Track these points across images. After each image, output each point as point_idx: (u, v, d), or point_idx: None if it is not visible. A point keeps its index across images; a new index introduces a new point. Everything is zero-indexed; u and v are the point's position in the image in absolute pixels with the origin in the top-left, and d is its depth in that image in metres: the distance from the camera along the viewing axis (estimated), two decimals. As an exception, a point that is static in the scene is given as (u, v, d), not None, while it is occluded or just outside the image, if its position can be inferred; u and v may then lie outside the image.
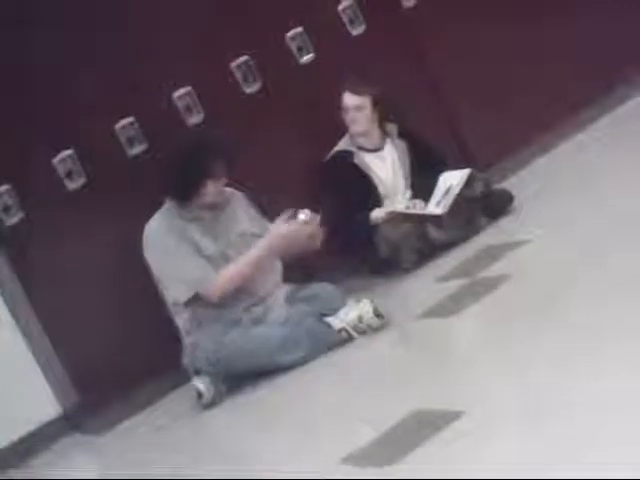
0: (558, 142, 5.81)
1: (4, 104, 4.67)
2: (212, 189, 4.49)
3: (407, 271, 4.90)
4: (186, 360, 4.49)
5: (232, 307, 4.46)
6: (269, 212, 4.75)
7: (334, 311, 4.38)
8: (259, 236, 4.59)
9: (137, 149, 4.95)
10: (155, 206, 4.56)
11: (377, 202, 5.19)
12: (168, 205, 4.54)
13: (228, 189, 4.66)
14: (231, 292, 4.41)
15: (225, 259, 4.48)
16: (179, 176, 4.47)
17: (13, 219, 4.68)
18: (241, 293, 4.46)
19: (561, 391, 2.92)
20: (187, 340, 4.47)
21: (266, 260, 4.48)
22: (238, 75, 5.24)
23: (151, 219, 4.52)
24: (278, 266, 4.64)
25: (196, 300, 4.41)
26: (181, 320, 4.50)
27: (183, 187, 4.48)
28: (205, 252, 4.44)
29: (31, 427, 4.72)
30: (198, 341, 4.40)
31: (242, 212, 4.67)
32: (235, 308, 4.46)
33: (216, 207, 4.57)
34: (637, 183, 4.53)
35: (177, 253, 4.40)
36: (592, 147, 5.60)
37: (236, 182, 4.74)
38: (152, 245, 4.48)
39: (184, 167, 4.46)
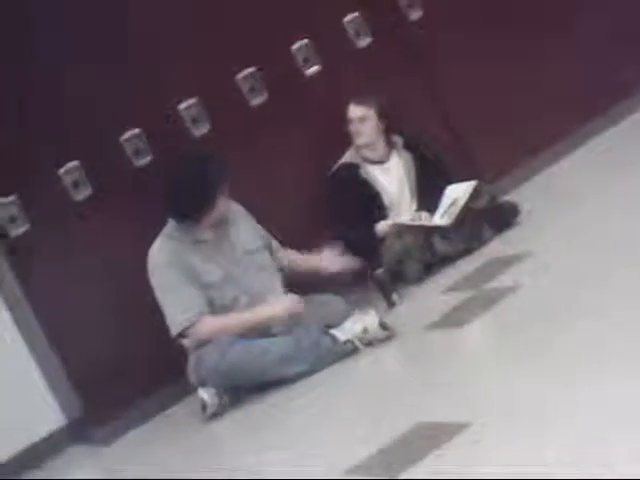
0: (565, 154, 5.81)
1: (10, 115, 4.69)
2: (222, 204, 4.49)
3: (412, 283, 4.90)
4: (190, 371, 4.49)
5: None
6: (274, 223, 4.77)
7: (339, 323, 4.38)
8: (264, 248, 4.61)
9: (143, 160, 4.96)
10: (160, 217, 4.56)
11: (382, 214, 5.19)
12: (170, 228, 4.53)
13: (230, 202, 4.65)
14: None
15: (230, 281, 4.48)
16: (190, 196, 4.43)
17: (19, 230, 4.70)
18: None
19: (567, 402, 2.91)
20: (192, 351, 4.47)
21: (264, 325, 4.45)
22: (244, 87, 5.25)
23: (154, 244, 4.51)
24: (275, 273, 4.66)
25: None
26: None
27: (195, 207, 4.45)
28: (207, 279, 4.44)
29: (35, 437, 4.73)
30: (203, 352, 4.39)
31: (245, 228, 4.66)
32: None
33: (221, 225, 4.56)
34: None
35: (173, 288, 4.41)
36: (599, 159, 5.60)
37: (242, 194, 4.75)
38: (152, 274, 4.48)
39: (196, 187, 4.42)
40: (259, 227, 4.76)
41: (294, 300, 4.48)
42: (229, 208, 4.59)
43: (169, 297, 4.44)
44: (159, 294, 4.47)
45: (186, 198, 4.46)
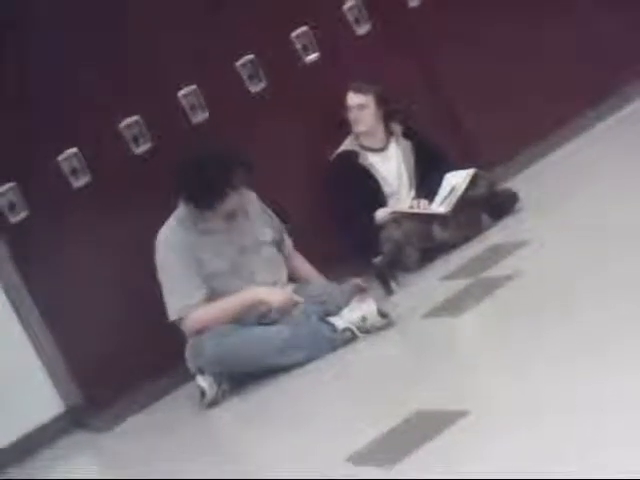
0: (562, 142, 5.81)
1: (9, 102, 4.68)
2: (234, 199, 4.46)
3: (411, 270, 4.91)
4: (189, 359, 4.49)
5: None
6: (272, 210, 4.77)
7: (338, 310, 4.39)
8: (273, 242, 4.62)
9: (142, 148, 4.96)
10: (159, 204, 4.56)
11: (381, 202, 5.19)
12: (182, 212, 4.49)
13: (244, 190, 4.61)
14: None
15: (236, 272, 4.47)
16: (202, 186, 4.38)
17: (18, 217, 4.69)
18: None
19: (564, 391, 2.91)
20: (191, 339, 4.47)
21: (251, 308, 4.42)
22: (243, 74, 5.24)
23: (165, 225, 4.48)
24: (282, 266, 4.65)
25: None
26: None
27: (206, 196, 4.40)
28: (212, 269, 4.42)
29: (34, 425, 4.73)
30: (201, 340, 4.39)
31: (257, 217, 4.64)
32: None
33: (234, 215, 4.55)
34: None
35: (175, 274, 4.39)
36: (597, 147, 5.60)
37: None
38: (158, 255, 4.46)
39: (208, 177, 4.36)
40: (272, 220, 4.72)
41: (287, 294, 4.46)
42: (246, 200, 4.56)
43: (170, 283, 4.42)
44: (161, 277, 4.45)
45: (204, 187, 4.38)
